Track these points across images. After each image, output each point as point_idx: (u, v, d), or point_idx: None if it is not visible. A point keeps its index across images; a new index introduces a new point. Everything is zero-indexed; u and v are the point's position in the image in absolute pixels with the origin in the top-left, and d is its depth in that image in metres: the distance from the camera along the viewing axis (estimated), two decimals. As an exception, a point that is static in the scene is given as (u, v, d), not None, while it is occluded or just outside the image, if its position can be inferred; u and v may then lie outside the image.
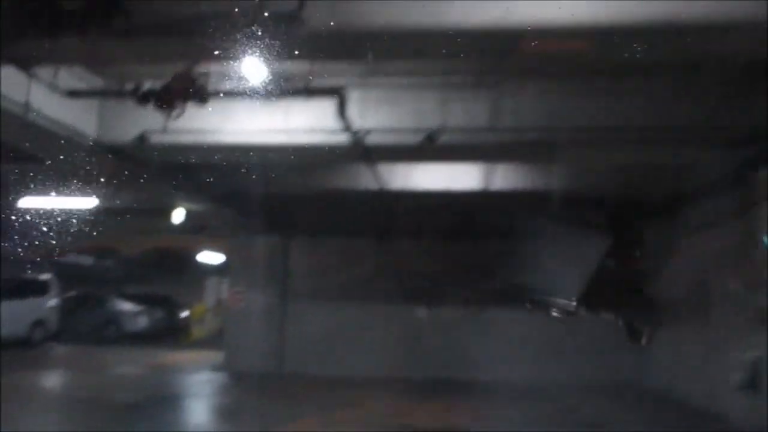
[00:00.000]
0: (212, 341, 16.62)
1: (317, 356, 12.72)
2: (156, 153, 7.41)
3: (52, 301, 17.24)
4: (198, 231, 14.86)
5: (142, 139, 6.70)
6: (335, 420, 8.22)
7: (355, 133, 6.77)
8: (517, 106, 6.78)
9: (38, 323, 16.51)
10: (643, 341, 11.20)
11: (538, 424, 8.40)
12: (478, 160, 8.97)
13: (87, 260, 19.16)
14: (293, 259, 13.41)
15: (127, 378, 12.30)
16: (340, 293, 12.96)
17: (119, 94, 6.54)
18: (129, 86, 6.28)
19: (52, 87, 6.19)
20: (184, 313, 21.32)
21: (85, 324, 18.44)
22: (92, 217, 13.56)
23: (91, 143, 7.18)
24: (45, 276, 17.39)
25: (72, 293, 19.22)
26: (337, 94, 6.47)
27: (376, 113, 6.81)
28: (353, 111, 6.61)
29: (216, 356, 13.56)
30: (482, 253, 12.28)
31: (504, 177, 9.37)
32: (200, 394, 11.04)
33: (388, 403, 9.60)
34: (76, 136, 7.01)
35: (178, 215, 12.38)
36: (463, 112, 6.77)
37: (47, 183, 11.27)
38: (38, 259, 18.20)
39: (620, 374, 11.78)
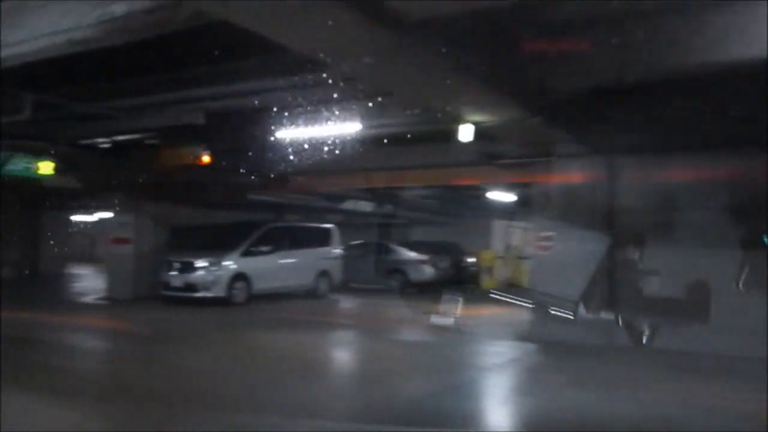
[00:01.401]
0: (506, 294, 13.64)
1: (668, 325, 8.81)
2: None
3: (336, 251, 16.29)
4: (492, 160, 11.73)
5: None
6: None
7: None
8: None
9: (323, 274, 15.65)
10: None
11: None
12: None
13: (366, 206, 17.81)
14: (621, 190, 9.51)
15: (410, 349, 9.88)
16: (692, 234, 8.76)
17: None
18: None
19: None
20: (472, 261, 18.96)
21: (368, 274, 17.34)
22: (359, 151, 11.34)
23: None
24: (328, 225, 16.59)
25: (355, 242, 18.28)
26: None
27: None
28: None
29: (514, 316, 10.59)
30: None
31: None
32: (507, 383, 7.79)
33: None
34: None
35: (465, 134, 9.19)
36: None
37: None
38: (315, 207, 17.44)
39: None
